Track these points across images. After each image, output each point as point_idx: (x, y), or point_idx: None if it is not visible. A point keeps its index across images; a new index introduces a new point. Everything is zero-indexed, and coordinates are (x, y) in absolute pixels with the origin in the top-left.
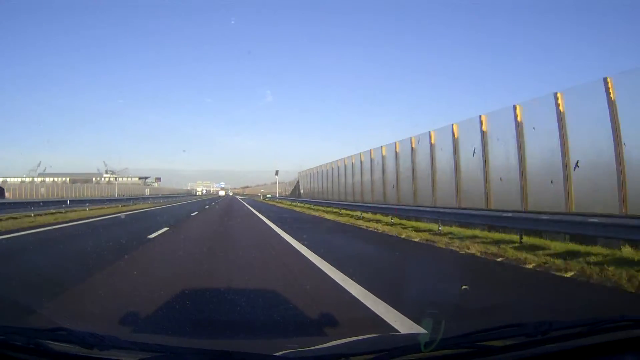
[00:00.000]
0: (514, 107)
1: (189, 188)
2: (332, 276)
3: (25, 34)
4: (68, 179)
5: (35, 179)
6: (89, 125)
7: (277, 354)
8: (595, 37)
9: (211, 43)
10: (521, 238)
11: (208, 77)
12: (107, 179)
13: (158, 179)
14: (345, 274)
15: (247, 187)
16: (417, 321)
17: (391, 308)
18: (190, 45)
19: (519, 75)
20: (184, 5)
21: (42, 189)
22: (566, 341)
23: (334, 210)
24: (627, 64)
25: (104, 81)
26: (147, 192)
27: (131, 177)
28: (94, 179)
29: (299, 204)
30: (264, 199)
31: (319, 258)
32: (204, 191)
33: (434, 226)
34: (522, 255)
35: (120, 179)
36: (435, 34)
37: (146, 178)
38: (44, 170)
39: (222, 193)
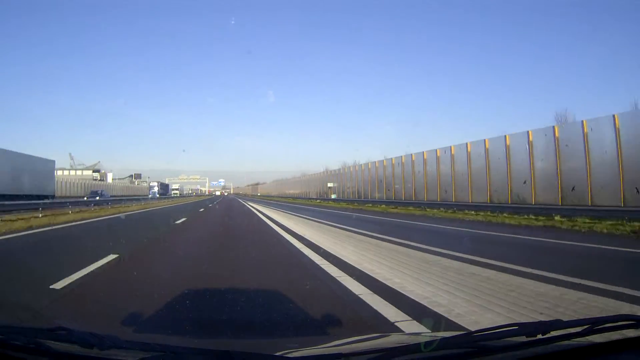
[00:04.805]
0: None
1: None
2: None
3: (24, 33)
4: None
5: None
6: (87, 123)
7: (277, 353)
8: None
9: (211, 43)
10: None
11: (208, 77)
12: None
13: (137, 176)
14: None
15: (257, 184)
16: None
17: None
18: (190, 45)
19: (519, 75)
20: (183, 5)
21: None
22: (566, 341)
23: None
24: None
25: (103, 81)
26: None
27: (82, 171)
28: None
29: None
30: None
31: None
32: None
33: None
34: None
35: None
36: (436, 34)
37: (132, 176)
38: None
39: (217, 193)
